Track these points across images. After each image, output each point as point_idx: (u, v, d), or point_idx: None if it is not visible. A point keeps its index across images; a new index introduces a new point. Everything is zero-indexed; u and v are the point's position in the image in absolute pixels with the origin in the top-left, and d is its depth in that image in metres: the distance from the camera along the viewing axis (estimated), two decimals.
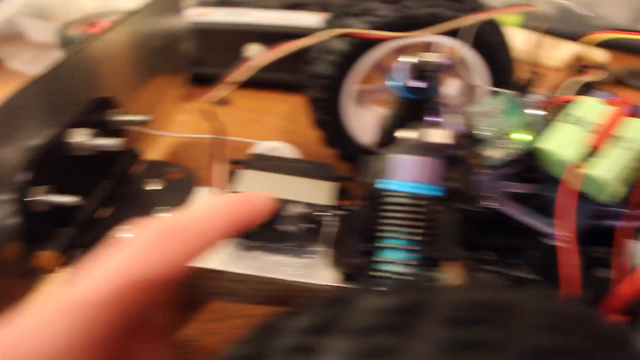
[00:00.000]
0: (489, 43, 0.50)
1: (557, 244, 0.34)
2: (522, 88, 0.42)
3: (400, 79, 0.39)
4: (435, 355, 0.14)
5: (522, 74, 0.54)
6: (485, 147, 0.39)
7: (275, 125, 0.70)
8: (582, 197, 0.37)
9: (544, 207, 0.38)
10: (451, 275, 0.28)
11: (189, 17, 0.76)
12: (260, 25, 0.74)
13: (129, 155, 0.47)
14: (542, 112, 0.40)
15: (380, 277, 0.30)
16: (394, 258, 0.29)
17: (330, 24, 0.52)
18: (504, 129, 0.40)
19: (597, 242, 0.39)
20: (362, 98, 0.58)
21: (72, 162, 0.39)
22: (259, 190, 0.40)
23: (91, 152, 0.40)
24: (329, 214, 0.39)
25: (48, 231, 0.38)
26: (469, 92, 0.57)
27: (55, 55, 0.38)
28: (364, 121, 0.56)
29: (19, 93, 0.34)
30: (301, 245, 0.41)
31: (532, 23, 0.97)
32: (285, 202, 0.39)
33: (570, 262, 0.34)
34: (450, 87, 0.62)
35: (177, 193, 0.46)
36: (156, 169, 0.48)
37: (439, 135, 0.29)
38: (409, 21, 0.47)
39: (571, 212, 0.35)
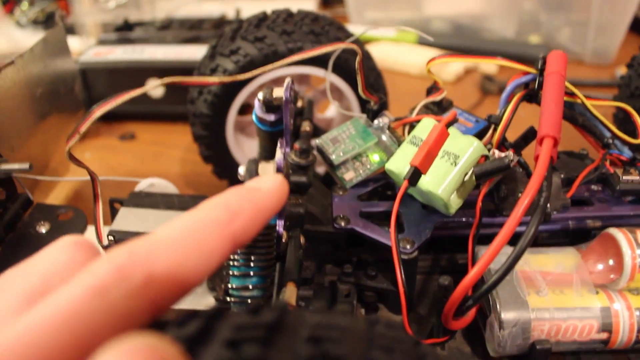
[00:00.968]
0: (353, 71, 0.53)
1: (403, 256, 0.37)
2: (372, 112, 0.45)
3: (259, 113, 0.42)
4: None
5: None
6: (339, 170, 0.43)
7: (178, 157, 0.72)
8: (431, 211, 0.41)
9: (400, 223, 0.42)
10: (287, 293, 0.31)
11: (88, 56, 0.78)
12: (158, 62, 0.76)
13: (19, 202, 0.49)
14: (389, 134, 0.44)
15: (234, 301, 0.32)
16: (240, 284, 0.32)
17: (203, 65, 0.55)
18: (355, 152, 0.43)
19: (442, 251, 0.43)
20: (245, 128, 0.61)
21: None
22: (135, 227, 0.42)
23: None
24: None
25: None
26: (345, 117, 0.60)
27: None
28: (248, 151, 0.59)
29: None
30: None
31: (425, 40, 1.02)
32: None
33: (407, 272, 0.38)
34: (329, 113, 0.66)
35: (66, 233, 0.48)
36: (45, 211, 0.50)
37: (269, 169, 0.32)
38: (271, 57, 0.50)
39: (420, 225, 0.39)
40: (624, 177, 0.43)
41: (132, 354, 0.14)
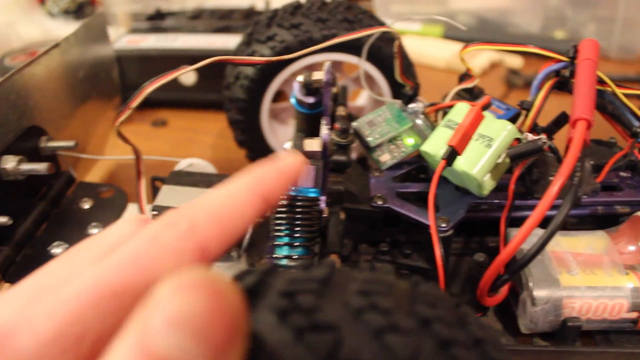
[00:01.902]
0: (386, 58, 0.55)
1: (440, 234, 0.39)
2: (407, 97, 0.47)
3: (298, 96, 0.44)
4: (344, 315, 0.18)
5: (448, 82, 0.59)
6: (375, 152, 0.44)
7: (209, 143, 0.74)
8: (464, 193, 0.42)
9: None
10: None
11: (122, 44, 0.80)
12: (191, 50, 0.78)
13: (63, 179, 0.51)
14: (424, 118, 0.45)
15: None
16: (284, 254, 0.33)
17: (240, 51, 0.56)
18: (391, 135, 0.44)
19: (472, 234, 0.45)
20: (278, 115, 0.62)
21: (5, 186, 0.43)
22: (177, 204, 0.44)
23: (22, 176, 0.43)
24: None
25: None
26: (377, 102, 0.62)
27: None
28: (281, 137, 0.61)
29: None
30: None
31: (452, 34, 1.03)
32: None
33: (443, 250, 0.39)
34: (360, 101, 0.68)
35: (108, 210, 0.50)
36: (87, 189, 0.52)
37: (314, 144, 0.34)
38: (306, 44, 0.52)
39: (453, 206, 0.40)
40: None
41: (188, 282, 0.16)
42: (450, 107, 0.45)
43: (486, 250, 0.44)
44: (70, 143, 0.47)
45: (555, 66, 0.44)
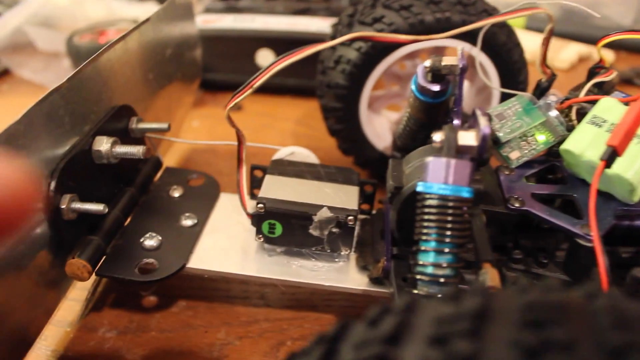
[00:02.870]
0: (499, 45, 0.50)
1: (585, 244, 0.34)
2: (539, 89, 0.42)
3: (422, 82, 0.39)
4: (514, 358, 0.14)
5: (531, 76, 0.54)
6: (503, 149, 0.40)
7: (289, 130, 0.70)
8: (607, 198, 0.38)
9: (565, 208, 0.39)
10: (488, 276, 0.29)
11: (198, 23, 0.76)
12: (269, 31, 0.74)
13: (151, 163, 0.47)
14: (557, 113, 0.41)
15: (420, 280, 0.30)
16: (432, 261, 0.29)
17: (340, 33, 0.52)
18: (522, 131, 0.40)
19: (624, 242, 0.40)
20: (374, 104, 0.58)
21: (96, 170, 0.40)
22: (284, 196, 0.40)
23: (115, 160, 0.40)
24: (356, 218, 0.39)
25: (75, 239, 0.38)
26: (479, 94, 0.57)
27: (64, 64, 0.38)
28: (377, 127, 0.56)
29: (39, 104, 0.34)
30: (328, 250, 0.41)
31: (535, 24, 0.98)
32: (312, 207, 0.39)
33: (585, 262, 0.35)
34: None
35: (199, 199, 0.46)
36: (176, 175, 0.49)
37: (470, 138, 0.30)
38: (417, 27, 0.47)
39: (600, 213, 0.35)
40: None
41: None
42: (587, 102, 0.40)
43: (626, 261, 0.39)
44: (164, 125, 0.44)
45: None
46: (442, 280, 0.29)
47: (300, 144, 0.48)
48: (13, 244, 0.32)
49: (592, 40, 0.95)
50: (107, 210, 0.37)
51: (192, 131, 0.69)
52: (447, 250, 0.29)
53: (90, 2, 0.97)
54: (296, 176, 0.43)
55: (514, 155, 0.40)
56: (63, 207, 0.35)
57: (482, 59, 0.51)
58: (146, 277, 0.39)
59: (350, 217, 0.39)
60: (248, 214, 0.42)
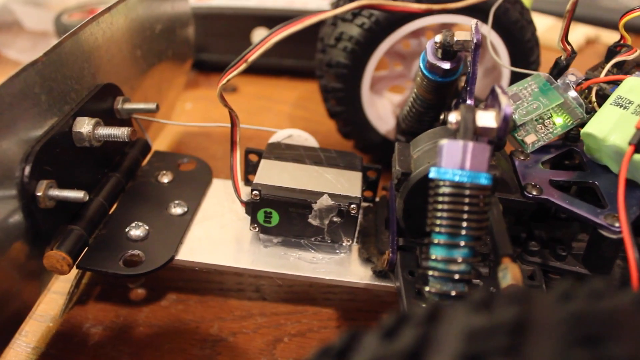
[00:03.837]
0: (511, 23, 0.47)
1: (609, 235, 0.31)
2: (559, 68, 0.39)
3: (431, 60, 0.36)
4: None
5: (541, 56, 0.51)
6: (518, 132, 0.37)
7: (286, 113, 0.67)
8: (632, 186, 0.35)
9: (582, 196, 0.36)
10: (508, 272, 0.26)
11: (191, 1, 0.73)
12: (266, 9, 0.71)
13: (138, 147, 0.44)
14: (576, 94, 0.38)
15: (432, 275, 0.27)
16: (445, 255, 0.26)
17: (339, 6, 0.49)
18: (538, 112, 0.37)
19: None
20: (376, 85, 0.55)
21: (77, 154, 0.37)
22: (282, 182, 0.37)
23: (97, 143, 0.37)
24: (359, 206, 0.36)
25: (54, 229, 0.35)
26: (487, 75, 0.54)
27: (52, 44, 0.34)
28: (379, 109, 0.53)
29: (11, 80, 0.31)
30: (329, 240, 0.38)
31: (540, 5, 0.94)
32: (311, 194, 0.37)
33: (632, 256, 0.32)
34: None
35: (190, 186, 0.43)
36: (166, 160, 0.46)
37: (489, 118, 0.26)
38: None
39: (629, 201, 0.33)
40: None
41: None
42: (608, 83, 0.37)
43: None
44: (152, 105, 0.41)
45: None
46: (456, 276, 0.26)
47: (298, 127, 0.45)
48: None
49: (599, 23, 0.92)
50: (87, 197, 0.34)
51: (184, 114, 0.66)
52: (462, 243, 0.26)
53: None
54: (294, 161, 0.40)
55: (530, 139, 0.37)
56: (39, 194, 0.32)
57: (492, 37, 0.48)
58: (131, 270, 0.36)
59: (352, 205, 0.36)
60: (242, 202, 0.39)
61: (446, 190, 0.26)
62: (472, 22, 0.34)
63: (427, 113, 0.41)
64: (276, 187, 0.37)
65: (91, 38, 0.39)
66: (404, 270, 0.34)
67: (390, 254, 0.35)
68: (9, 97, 0.31)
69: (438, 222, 0.26)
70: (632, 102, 0.34)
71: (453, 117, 0.27)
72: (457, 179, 0.26)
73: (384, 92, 0.56)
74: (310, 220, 0.36)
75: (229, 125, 0.39)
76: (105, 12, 0.40)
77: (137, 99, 0.46)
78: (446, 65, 0.36)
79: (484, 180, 0.26)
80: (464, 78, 0.41)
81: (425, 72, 0.38)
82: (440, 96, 0.39)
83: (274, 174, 0.38)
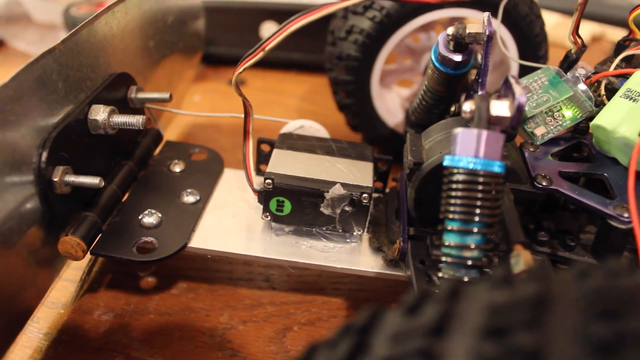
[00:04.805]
0: (521, 17, 0.47)
1: (618, 225, 0.32)
2: (569, 61, 0.39)
3: (443, 52, 0.37)
4: (584, 356, 0.12)
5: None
6: (527, 124, 0.37)
7: (294, 107, 0.67)
8: None
9: (590, 187, 0.36)
10: (521, 259, 0.26)
11: None
12: (275, 3, 0.71)
13: (150, 136, 0.45)
14: (586, 87, 0.38)
15: (444, 261, 0.27)
16: (459, 242, 0.26)
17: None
18: (548, 105, 0.37)
19: None
20: (385, 79, 0.55)
21: (92, 141, 0.37)
22: (294, 172, 0.38)
23: (112, 130, 0.37)
24: (370, 195, 0.37)
25: (69, 215, 0.35)
26: (495, 70, 0.54)
27: (60, 36, 0.35)
28: (388, 102, 0.54)
29: (30, 66, 0.31)
30: (340, 230, 0.38)
31: (548, 3, 0.95)
32: (324, 183, 0.37)
33: (616, 246, 0.33)
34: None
35: (202, 175, 0.44)
36: (177, 149, 0.46)
37: (503, 107, 0.27)
38: None
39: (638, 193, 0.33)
40: None
41: None
42: (617, 76, 0.38)
43: None
44: (165, 95, 0.41)
45: None
46: (469, 262, 0.26)
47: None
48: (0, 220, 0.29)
49: (605, 20, 0.92)
50: (103, 184, 0.34)
51: (193, 106, 0.66)
52: (475, 230, 0.26)
53: None
54: (306, 151, 0.40)
55: (539, 131, 0.37)
56: (55, 179, 0.33)
57: (502, 31, 0.49)
58: (145, 256, 0.37)
59: (364, 195, 0.36)
60: (254, 191, 0.39)
61: (460, 177, 0.27)
62: (484, 14, 0.35)
63: (437, 105, 0.41)
64: (289, 176, 0.37)
65: (106, 27, 0.39)
66: (414, 259, 0.35)
67: (402, 243, 0.35)
68: (28, 82, 0.31)
69: (452, 209, 0.27)
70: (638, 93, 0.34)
71: (467, 106, 0.27)
72: (471, 166, 0.26)
73: (392, 85, 0.57)
74: (322, 209, 0.37)
75: (241, 115, 0.40)
76: (120, 1, 0.41)
77: (148, 89, 0.46)
78: (458, 58, 0.37)
79: (497, 168, 0.26)
80: (474, 71, 0.41)
81: (436, 64, 0.38)
82: (450, 89, 0.40)
83: (287, 164, 0.38)
